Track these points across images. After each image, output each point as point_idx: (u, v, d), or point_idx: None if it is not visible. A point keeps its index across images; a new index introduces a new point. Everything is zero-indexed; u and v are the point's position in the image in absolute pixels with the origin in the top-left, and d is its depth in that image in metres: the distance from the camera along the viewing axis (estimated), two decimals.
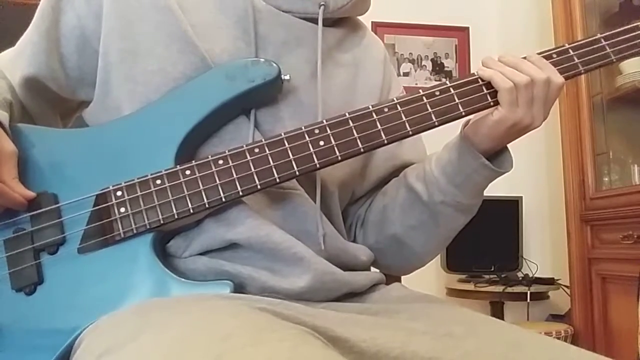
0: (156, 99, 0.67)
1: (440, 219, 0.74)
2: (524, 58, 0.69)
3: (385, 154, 0.79)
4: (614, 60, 0.71)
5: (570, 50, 0.71)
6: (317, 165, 0.64)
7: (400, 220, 0.76)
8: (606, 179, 2.16)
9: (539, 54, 0.70)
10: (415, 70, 2.83)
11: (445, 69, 2.86)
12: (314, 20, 0.73)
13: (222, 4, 0.71)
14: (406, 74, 2.82)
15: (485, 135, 0.69)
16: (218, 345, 0.42)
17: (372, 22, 2.71)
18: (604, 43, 0.71)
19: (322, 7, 0.73)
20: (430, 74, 2.85)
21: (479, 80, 0.68)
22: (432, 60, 2.86)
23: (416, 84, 2.81)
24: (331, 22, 0.77)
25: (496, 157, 0.72)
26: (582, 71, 0.70)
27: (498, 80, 0.66)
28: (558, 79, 0.68)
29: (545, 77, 0.66)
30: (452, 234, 0.78)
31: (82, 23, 0.72)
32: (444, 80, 2.82)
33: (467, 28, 2.88)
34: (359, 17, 0.84)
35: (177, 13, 0.68)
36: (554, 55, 0.70)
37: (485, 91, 0.68)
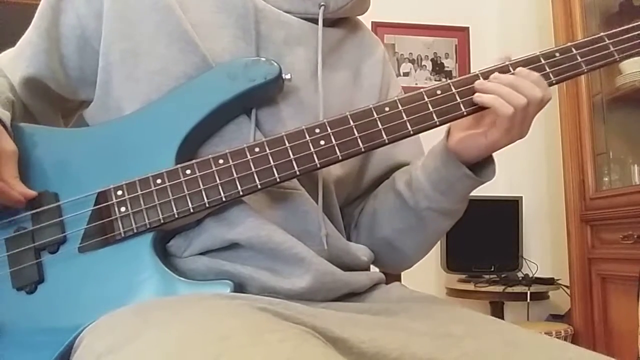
0: (157, 99, 0.67)
1: (426, 223, 0.75)
2: (514, 72, 0.67)
3: (381, 154, 0.79)
4: (618, 59, 0.69)
5: (574, 49, 0.69)
6: (318, 165, 0.64)
7: (390, 224, 0.77)
8: (606, 179, 2.16)
9: (542, 52, 0.69)
10: (415, 70, 2.83)
11: (445, 69, 2.86)
12: (315, 21, 0.73)
13: (223, 3, 0.71)
14: (406, 74, 2.81)
15: (474, 155, 0.69)
16: (218, 345, 0.42)
17: (372, 22, 2.70)
18: (607, 42, 0.69)
19: (322, 8, 0.73)
20: (430, 74, 2.85)
21: (480, 77, 0.67)
22: (432, 60, 2.85)
23: (416, 84, 2.80)
24: (331, 22, 0.77)
25: (480, 164, 0.71)
26: (586, 70, 0.69)
27: (498, 105, 0.64)
28: (549, 95, 0.66)
29: (540, 96, 0.65)
30: (440, 236, 0.79)
31: (82, 23, 0.72)
32: (444, 80, 2.82)
33: (467, 28, 2.88)
34: (359, 17, 0.84)
35: (177, 12, 0.68)
36: (557, 54, 0.69)
37: None
